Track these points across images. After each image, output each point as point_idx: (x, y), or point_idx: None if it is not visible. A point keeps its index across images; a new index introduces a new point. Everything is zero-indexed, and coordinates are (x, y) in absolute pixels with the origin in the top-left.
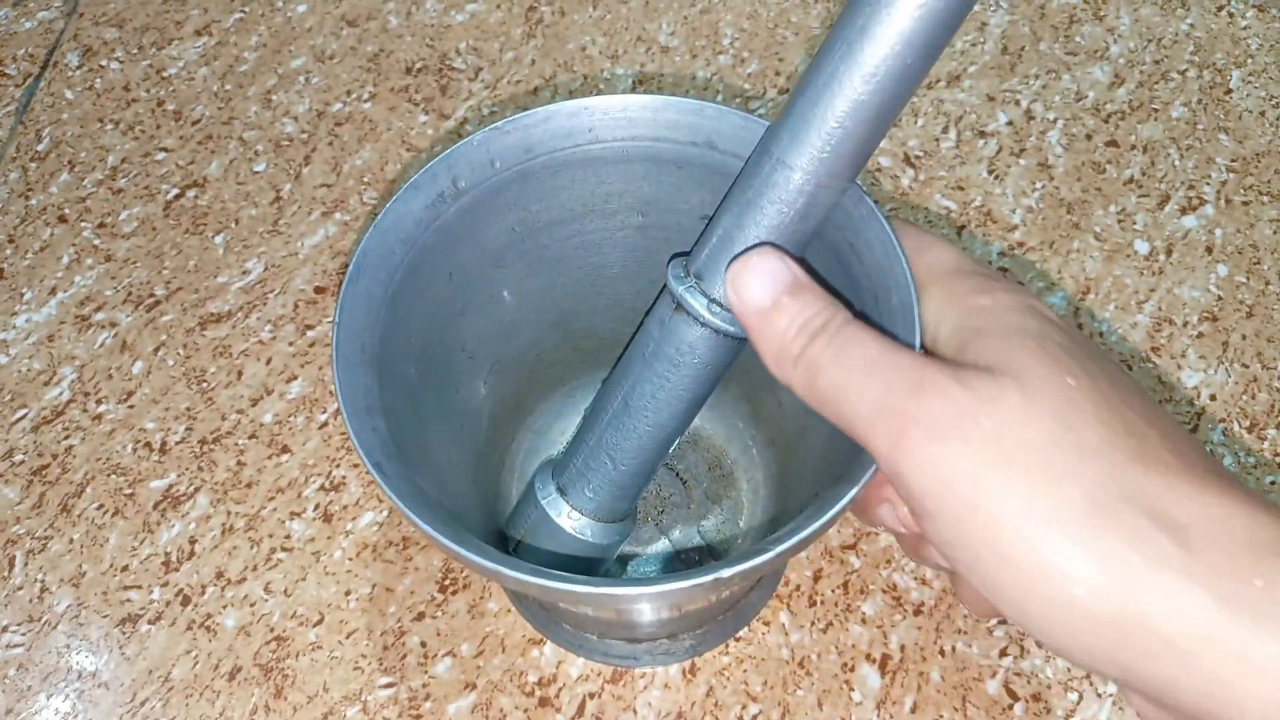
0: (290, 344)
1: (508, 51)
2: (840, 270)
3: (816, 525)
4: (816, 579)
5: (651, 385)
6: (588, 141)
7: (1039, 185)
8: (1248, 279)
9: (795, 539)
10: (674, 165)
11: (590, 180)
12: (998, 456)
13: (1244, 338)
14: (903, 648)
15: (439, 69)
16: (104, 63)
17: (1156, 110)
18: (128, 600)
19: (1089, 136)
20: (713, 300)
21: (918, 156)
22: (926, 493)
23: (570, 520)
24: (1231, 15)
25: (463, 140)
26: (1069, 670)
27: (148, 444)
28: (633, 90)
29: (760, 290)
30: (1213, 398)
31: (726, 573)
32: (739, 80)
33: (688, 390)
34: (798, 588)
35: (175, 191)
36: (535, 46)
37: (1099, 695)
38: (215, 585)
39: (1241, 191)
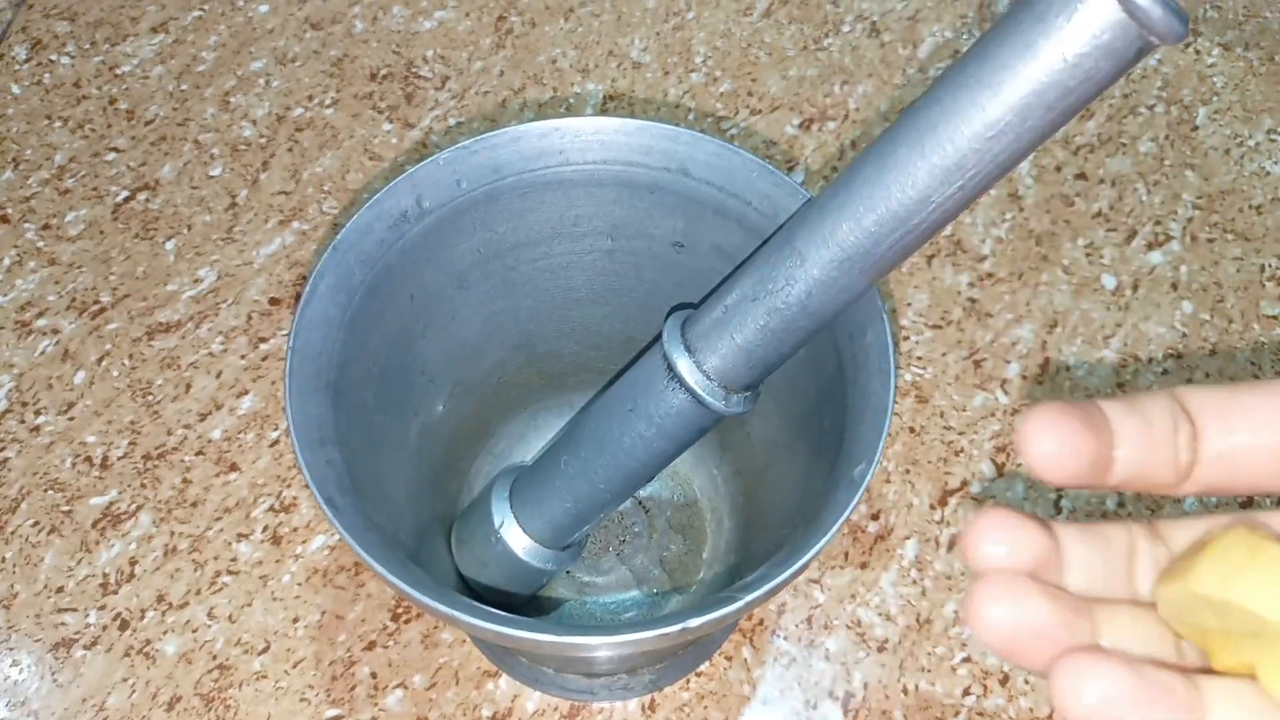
0: (242, 357)
1: (476, 61)
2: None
3: (787, 574)
4: (780, 613)
5: (628, 438)
6: (558, 164)
7: (1009, 216)
8: (1211, 316)
9: (765, 588)
10: (646, 190)
11: (559, 203)
12: None
13: (1207, 375)
14: (865, 685)
15: (405, 76)
16: (54, 57)
17: (1125, 145)
18: (62, 624)
19: (1059, 168)
20: (703, 371)
21: None
22: None
23: (517, 540)
24: (1198, 53)
25: (428, 159)
26: (1031, 710)
27: (88, 458)
28: (603, 106)
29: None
30: None
31: (694, 622)
32: (711, 100)
33: (662, 448)
34: (760, 622)
35: (125, 194)
36: (504, 57)
37: None
38: (156, 609)
39: (1207, 229)
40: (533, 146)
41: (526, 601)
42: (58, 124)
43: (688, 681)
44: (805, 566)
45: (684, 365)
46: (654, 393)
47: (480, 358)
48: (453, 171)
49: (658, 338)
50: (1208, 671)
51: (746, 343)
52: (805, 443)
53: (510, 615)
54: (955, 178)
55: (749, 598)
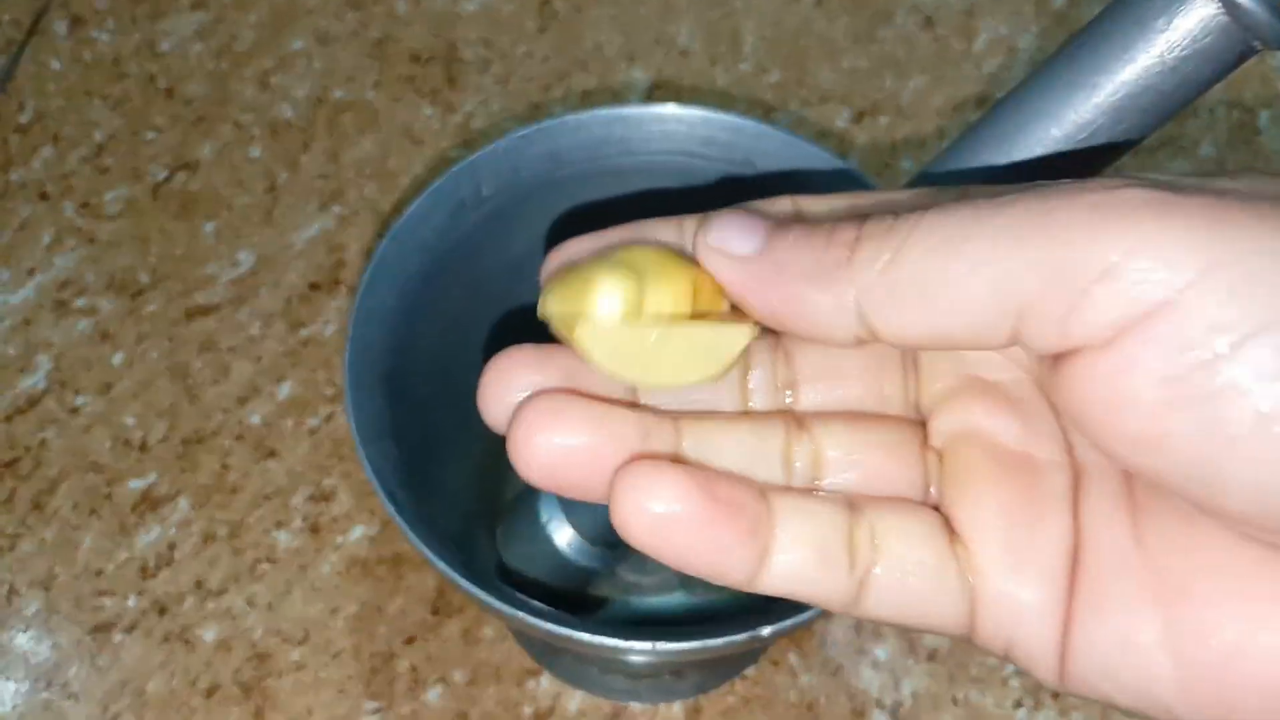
0: (281, 342)
1: (520, 45)
2: None
3: None
4: (828, 619)
5: None
6: (619, 153)
7: None
8: None
9: None
10: (710, 182)
11: (619, 193)
12: None
13: None
14: (914, 695)
15: (447, 60)
16: (93, 33)
17: (1185, 148)
18: (101, 607)
19: (1116, 171)
20: None
21: None
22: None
23: (564, 537)
24: (1261, 55)
25: (488, 146)
26: None
27: (127, 441)
28: (650, 95)
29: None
30: None
31: (766, 630)
32: (760, 90)
33: None
34: (809, 627)
35: (164, 173)
36: (549, 42)
37: None
38: (194, 595)
39: None
40: (593, 135)
41: (571, 598)
42: (97, 101)
43: (733, 685)
44: None
45: None
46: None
47: None
48: (512, 159)
49: None
50: (786, 490)
51: None
52: None
53: (593, 623)
54: None
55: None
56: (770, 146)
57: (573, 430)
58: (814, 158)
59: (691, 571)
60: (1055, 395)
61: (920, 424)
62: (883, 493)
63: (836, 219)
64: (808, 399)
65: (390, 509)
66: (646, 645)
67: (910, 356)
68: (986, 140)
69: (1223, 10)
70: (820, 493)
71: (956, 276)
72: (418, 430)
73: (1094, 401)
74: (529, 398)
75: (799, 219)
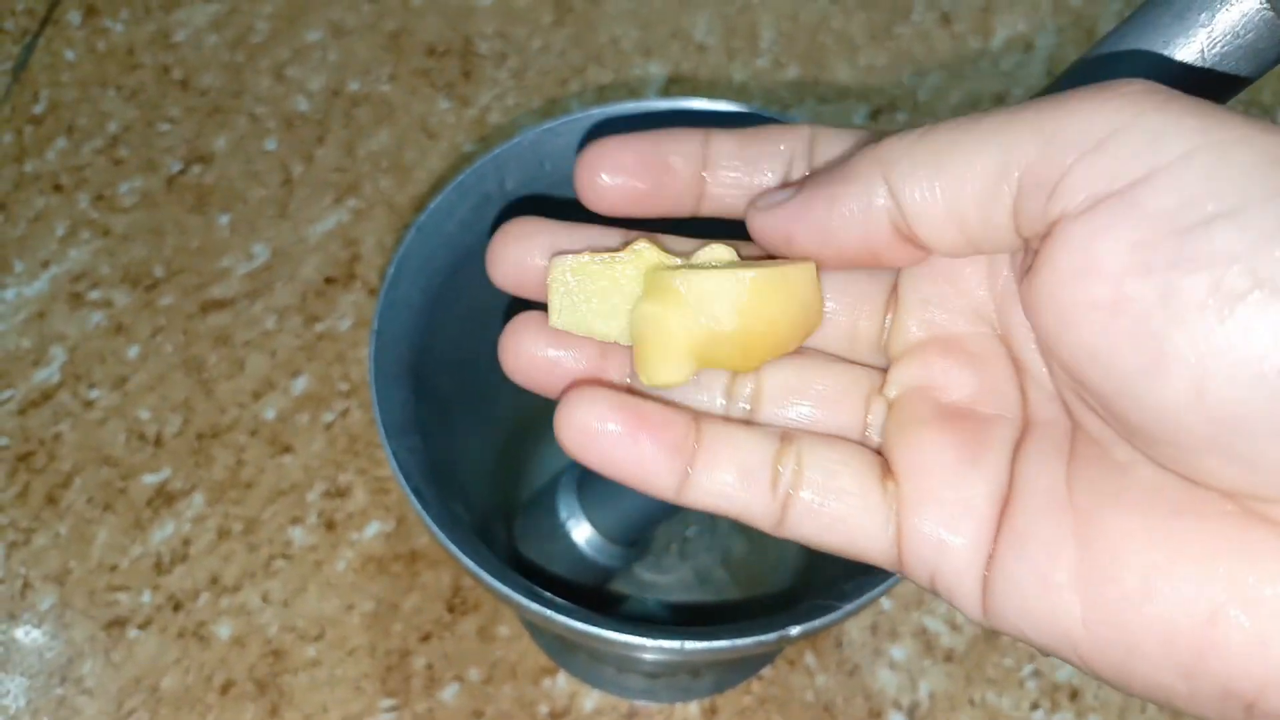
0: (296, 336)
1: (535, 39)
2: None
3: (885, 584)
4: (848, 620)
5: None
6: None
7: None
8: None
9: (863, 598)
10: None
11: None
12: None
13: None
14: (932, 696)
15: (463, 53)
16: (107, 23)
17: None
18: (115, 602)
19: None
20: None
21: None
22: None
23: (583, 535)
24: None
25: (513, 140)
26: None
27: (142, 435)
28: (666, 89)
29: None
30: None
31: (794, 630)
32: (778, 86)
33: None
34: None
35: (179, 165)
36: (565, 36)
37: None
38: (209, 591)
39: None
40: (618, 130)
41: (588, 596)
42: (111, 92)
43: (749, 686)
44: (902, 579)
45: None
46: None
47: None
48: (537, 153)
49: None
50: (723, 419)
51: None
52: None
53: (626, 621)
54: None
55: (848, 607)
56: None
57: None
58: None
59: (620, 480)
60: (1027, 296)
61: (880, 371)
62: (820, 429)
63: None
64: None
65: (416, 505)
66: (675, 644)
67: (890, 302)
68: None
69: (1266, 5)
70: (756, 424)
71: (970, 144)
72: (438, 425)
73: (1063, 271)
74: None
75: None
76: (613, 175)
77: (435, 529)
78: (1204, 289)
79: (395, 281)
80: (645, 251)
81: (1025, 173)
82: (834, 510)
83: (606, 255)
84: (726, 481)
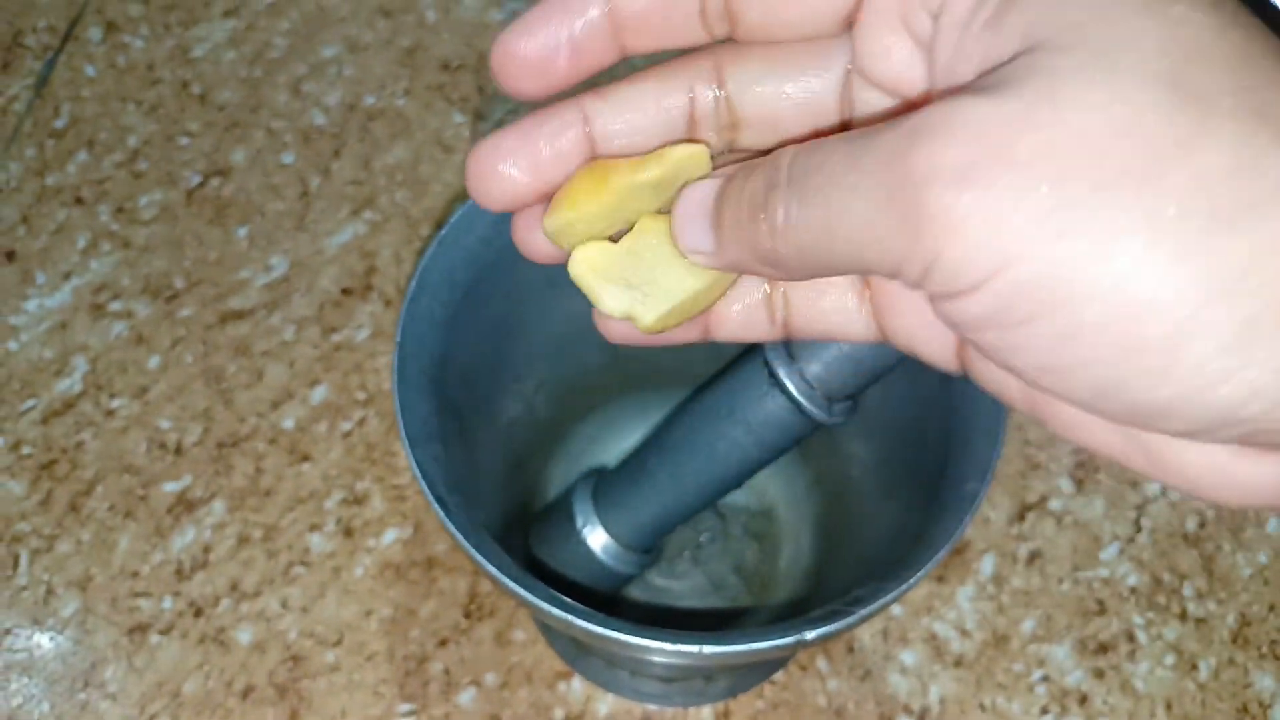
0: (314, 346)
1: None
2: None
3: (901, 589)
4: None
5: (722, 443)
6: None
7: None
8: None
9: (878, 602)
10: None
11: None
12: (1071, 172)
13: None
14: (942, 700)
15: (477, 68)
16: (127, 39)
17: None
18: (137, 608)
19: None
20: (805, 379)
21: None
22: (978, 282)
23: (599, 541)
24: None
25: None
26: None
27: (162, 444)
28: None
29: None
30: None
31: (811, 634)
32: None
33: (756, 455)
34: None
35: (198, 179)
36: None
37: None
38: (230, 597)
39: None
40: None
41: (604, 601)
42: (131, 106)
43: (761, 690)
44: (917, 583)
45: (785, 373)
46: (753, 399)
47: (565, 357)
48: None
49: (751, 348)
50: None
51: (855, 351)
52: (901, 459)
53: (644, 626)
54: None
55: (863, 611)
56: None
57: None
58: None
59: None
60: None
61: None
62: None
63: None
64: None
65: (440, 513)
66: (693, 648)
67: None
68: None
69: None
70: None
71: None
72: (457, 435)
73: None
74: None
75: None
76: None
77: (459, 537)
78: None
79: (417, 295)
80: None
81: None
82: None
83: (609, 243)
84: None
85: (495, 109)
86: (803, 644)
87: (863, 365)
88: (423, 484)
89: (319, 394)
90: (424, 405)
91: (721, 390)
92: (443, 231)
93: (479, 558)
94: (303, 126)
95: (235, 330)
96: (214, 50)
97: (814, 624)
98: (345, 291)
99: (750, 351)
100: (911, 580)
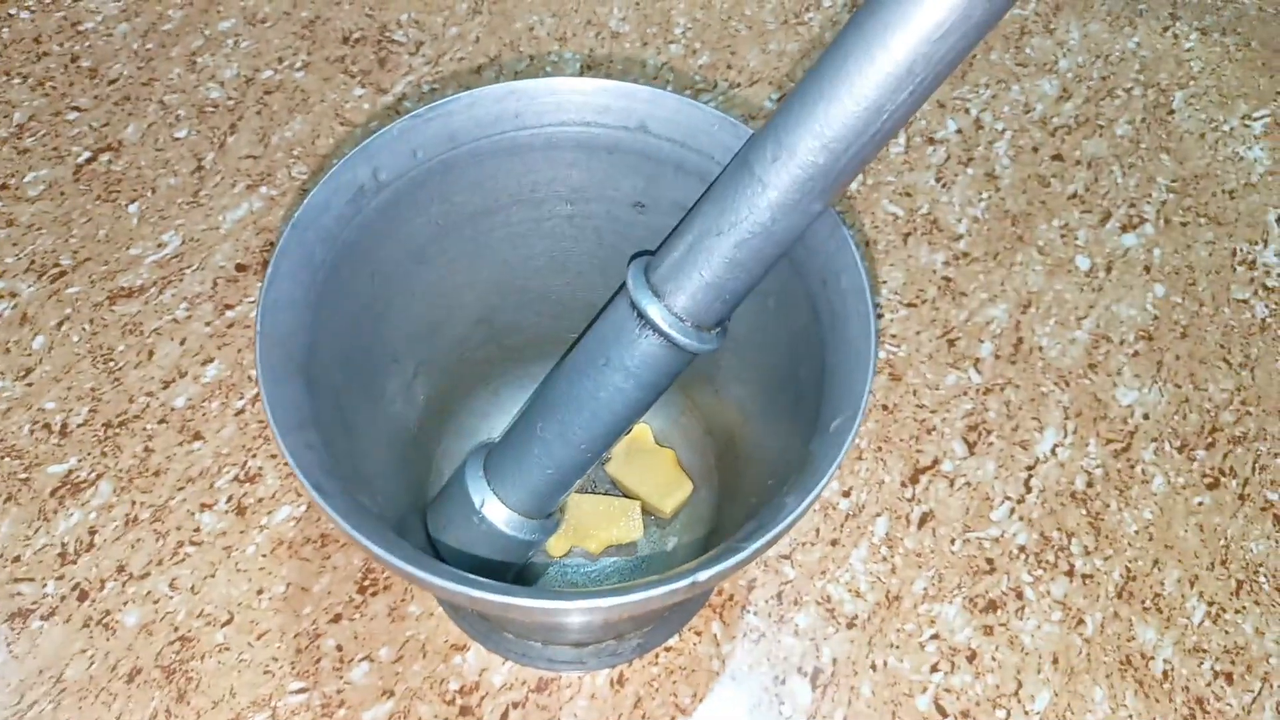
0: (207, 324)
1: (451, 26)
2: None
3: (786, 522)
4: (750, 588)
5: (603, 392)
6: (514, 128)
7: (985, 195)
8: (1183, 299)
9: (766, 538)
10: (605, 151)
11: (516, 169)
12: None
13: (1177, 358)
14: (834, 661)
15: (378, 40)
16: (12, 10)
17: (1102, 127)
18: (19, 594)
19: (1035, 149)
20: (673, 313)
21: None
22: None
23: (500, 515)
24: (1176, 36)
25: (381, 130)
26: (998, 687)
27: (47, 425)
28: (581, 75)
29: None
30: (1145, 416)
31: (704, 575)
32: (690, 71)
33: (639, 397)
34: (730, 597)
35: (87, 155)
36: (481, 23)
37: (1026, 713)
38: (116, 580)
39: (1180, 212)
40: (488, 111)
41: (514, 574)
42: (16, 81)
43: (656, 656)
44: (803, 514)
45: (654, 310)
46: (626, 342)
47: (442, 334)
48: (408, 141)
49: (621, 287)
50: None
51: (715, 278)
52: (781, 399)
53: (539, 589)
54: (906, 84)
55: (753, 547)
56: (663, 110)
57: None
58: (704, 117)
59: None
60: None
61: None
62: None
63: None
64: None
65: (316, 497)
66: (589, 604)
67: None
68: (850, 52)
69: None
70: None
71: None
72: (337, 422)
73: None
74: None
75: None
76: None
77: (338, 519)
78: None
79: (273, 280)
80: None
81: None
82: None
83: None
84: None
85: (396, 82)
86: (697, 585)
87: (725, 290)
88: (298, 472)
89: (211, 372)
90: (293, 390)
91: (594, 340)
92: (295, 215)
93: (366, 541)
94: (198, 101)
95: (125, 308)
96: (105, 22)
97: (706, 565)
98: (240, 267)
99: (616, 297)
100: (788, 518)
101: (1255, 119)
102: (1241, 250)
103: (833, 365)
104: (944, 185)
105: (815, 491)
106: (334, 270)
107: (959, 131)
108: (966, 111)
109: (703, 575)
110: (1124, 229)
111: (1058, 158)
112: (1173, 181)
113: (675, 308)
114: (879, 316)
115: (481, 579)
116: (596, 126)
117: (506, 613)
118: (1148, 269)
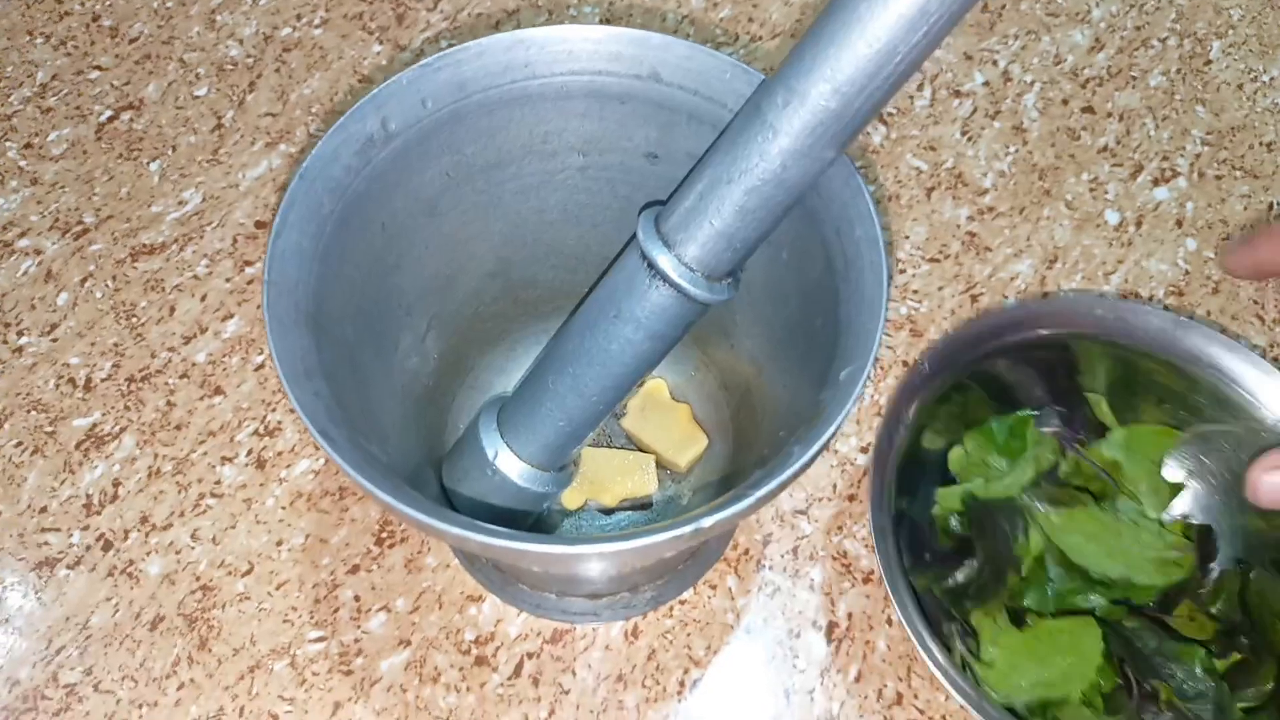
0: (227, 280)
1: None
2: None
3: (793, 470)
4: (766, 543)
5: (615, 344)
6: (525, 77)
7: (1012, 149)
8: (1216, 254)
9: (772, 484)
10: (617, 101)
11: (528, 120)
12: None
13: (1209, 313)
14: (850, 616)
15: None
16: None
17: (1135, 78)
18: (45, 543)
19: (1065, 101)
20: (684, 263)
21: (890, 114)
22: None
23: (513, 467)
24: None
25: (391, 79)
26: None
27: (71, 380)
28: None
29: None
30: None
31: (707, 522)
32: (711, 25)
33: (651, 348)
34: (746, 551)
35: (109, 114)
36: None
37: None
38: (139, 531)
39: (1215, 165)
40: (498, 60)
41: (526, 528)
42: (39, 40)
43: (671, 609)
44: (810, 463)
45: (664, 260)
46: (637, 294)
47: (455, 288)
48: (417, 91)
49: (632, 239)
50: None
51: (726, 227)
52: (794, 351)
53: (544, 535)
54: (920, 24)
55: (757, 494)
56: (674, 57)
57: None
58: (717, 64)
59: None
60: None
61: None
62: None
63: None
64: None
65: (323, 443)
66: (593, 548)
67: None
68: None
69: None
70: None
71: None
72: (347, 372)
73: None
74: None
75: None
76: None
77: (345, 465)
78: None
79: (280, 230)
80: None
81: None
82: None
83: None
84: None
85: (414, 38)
86: (700, 532)
87: (736, 239)
88: (304, 418)
89: (231, 327)
90: (301, 339)
91: (605, 292)
92: (303, 165)
93: (370, 485)
94: (217, 58)
95: (147, 265)
96: None
97: (710, 512)
98: (259, 224)
99: (627, 248)
100: (794, 466)
101: None
102: (1278, 203)
103: (846, 316)
104: (969, 139)
105: (822, 440)
106: (343, 221)
107: (986, 84)
108: (994, 63)
109: (706, 521)
110: (1156, 183)
111: (1088, 110)
112: (1208, 134)
113: (686, 258)
114: (900, 272)
115: (491, 526)
116: (608, 75)
117: (518, 561)
118: (1180, 223)
